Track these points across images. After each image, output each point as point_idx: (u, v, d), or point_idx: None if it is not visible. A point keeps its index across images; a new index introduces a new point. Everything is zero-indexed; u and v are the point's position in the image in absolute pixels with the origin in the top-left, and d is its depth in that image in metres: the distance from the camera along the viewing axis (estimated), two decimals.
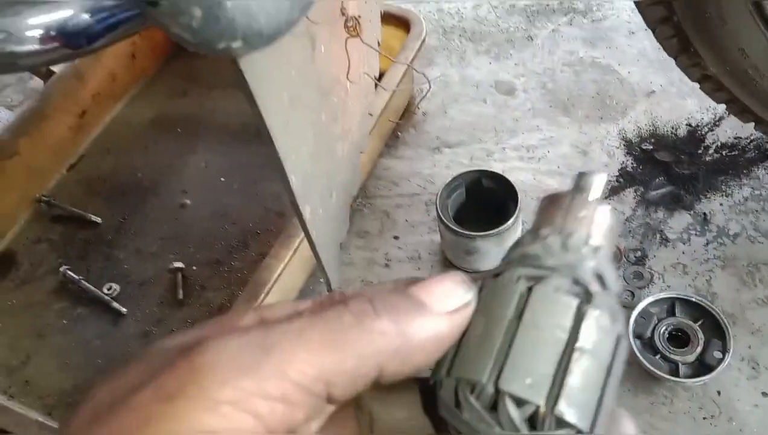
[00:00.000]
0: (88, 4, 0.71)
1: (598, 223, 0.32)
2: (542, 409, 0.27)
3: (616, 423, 0.31)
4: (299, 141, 0.64)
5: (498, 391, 0.27)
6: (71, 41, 0.70)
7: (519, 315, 0.29)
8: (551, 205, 0.33)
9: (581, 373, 0.28)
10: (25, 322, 1.10)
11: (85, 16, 0.71)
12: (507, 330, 0.29)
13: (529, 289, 0.30)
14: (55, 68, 1.32)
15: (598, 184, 0.33)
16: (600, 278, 0.30)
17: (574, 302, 0.29)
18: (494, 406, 0.28)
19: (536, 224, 0.33)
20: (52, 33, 0.69)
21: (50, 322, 1.10)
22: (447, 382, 0.29)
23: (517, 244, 0.33)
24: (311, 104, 0.68)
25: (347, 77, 0.74)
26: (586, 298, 0.29)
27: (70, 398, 1.01)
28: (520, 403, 0.27)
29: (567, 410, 0.27)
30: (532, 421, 0.27)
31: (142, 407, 0.26)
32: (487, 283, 0.31)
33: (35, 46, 0.69)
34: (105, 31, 0.71)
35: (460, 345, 0.30)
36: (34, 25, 0.69)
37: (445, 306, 0.30)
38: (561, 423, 0.27)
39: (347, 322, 0.28)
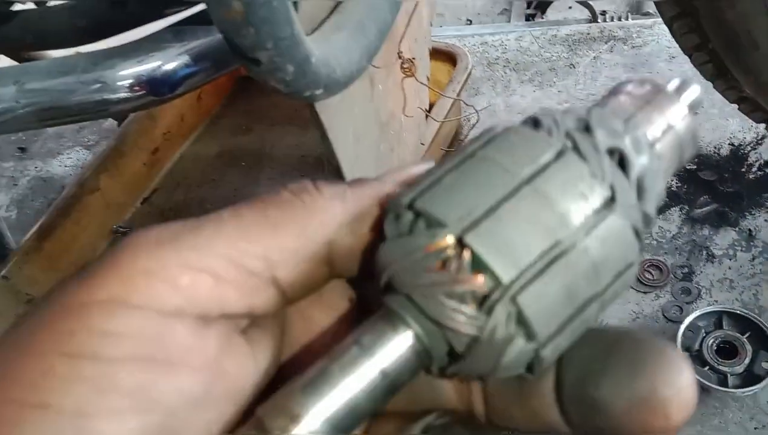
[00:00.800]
0: (170, 56, 0.80)
1: (677, 131, 0.26)
2: (450, 237, 0.21)
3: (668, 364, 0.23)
4: (363, 171, 0.72)
5: (415, 213, 0.23)
6: (156, 89, 0.80)
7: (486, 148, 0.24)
8: (622, 87, 0.27)
9: (522, 215, 0.22)
10: None
11: (169, 66, 0.80)
12: (461, 161, 0.24)
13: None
14: None
15: (691, 92, 0.27)
16: (639, 185, 0.24)
17: (560, 145, 0.23)
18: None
19: (599, 104, 0.26)
20: (141, 82, 0.79)
21: None
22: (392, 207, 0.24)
23: (590, 111, 0.25)
24: (372, 137, 0.76)
25: (404, 112, 0.81)
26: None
27: None
28: (430, 224, 0.22)
29: (481, 245, 0.21)
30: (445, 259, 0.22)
31: (60, 289, 0.24)
32: None
33: (125, 94, 0.79)
34: (185, 79, 0.81)
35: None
36: (126, 76, 0.79)
37: (399, 176, 0.27)
38: (476, 262, 0.21)
39: (285, 199, 0.25)
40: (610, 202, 0.22)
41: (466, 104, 1.12)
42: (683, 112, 0.26)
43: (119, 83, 0.80)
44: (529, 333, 0.21)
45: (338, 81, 0.49)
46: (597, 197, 0.22)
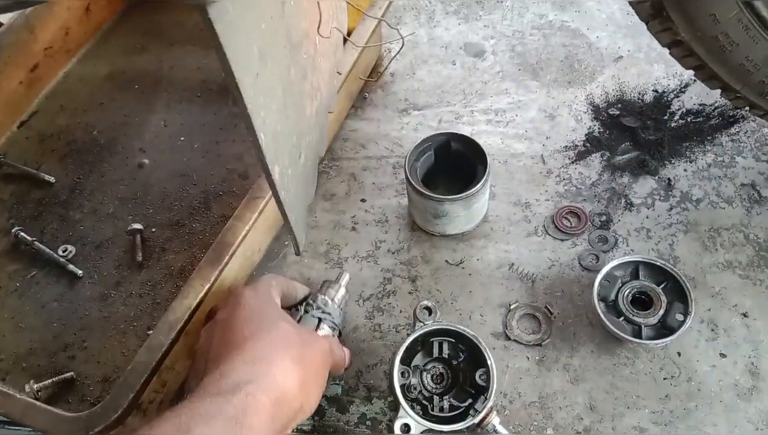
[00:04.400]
0: None
1: (341, 295, 0.91)
2: None
3: None
4: (269, 96, 0.62)
5: None
6: None
7: (315, 330, 0.86)
8: (326, 284, 0.91)
9: None
10: None
11: None
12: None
13: (319, 320, 0.87)
14: (4, 20, 1.25)
15: (345, 279, 0.92)
16: (335, 313, 0.89)
17: (322, 323, 0.87)
18: None
19: (322, 290, 0.90)
20: None
21: (3, 285, 1.05)
22: None
23: (315, 297, 0.89)
24: (280, 58, 0.66)
25: (318, 31, 0.71)
26: (327, 320, 0.88)
27: (26, 362, 0.97)
28: None
29: None
30: None
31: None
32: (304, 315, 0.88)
33: None
34: None
35: None
36: None
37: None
38: None
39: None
40: (334, 329, 0.89)
41: (391, 26, 1.02)
42: (343, 289, 0.92)
43: None
44: None
45: None
46: (329, 328, 0.88)
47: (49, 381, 0.93)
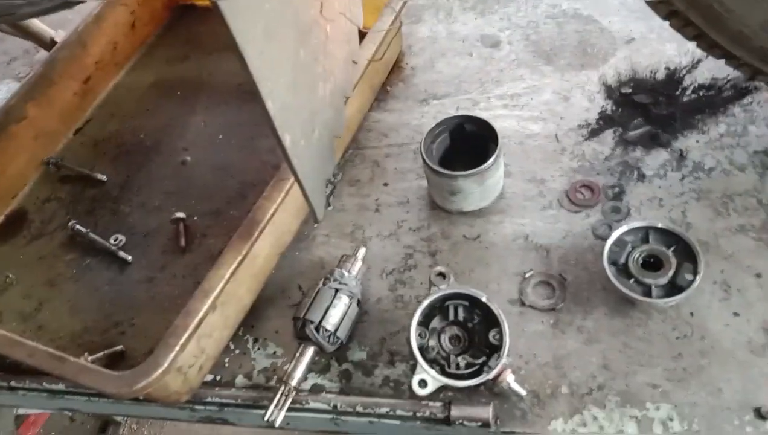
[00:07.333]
0: None
1: (357, 267, 1.01)
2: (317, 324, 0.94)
3: None
4: (275, 71, 0.69)
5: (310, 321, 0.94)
6: None
7: (332, 300, 0.96)
8: (343, 259, 1.02)
9: (336, 313, 0.96)
10: (37, 273, 1.17)
11: None
12: (328, 303, 0.96)
13: (336, 290, 0.97)
14: (59, 38, 1.38)
15: (361, 253, 1.03)
16: (351, 284, 0.98)
17: (339, 293, 0.97)
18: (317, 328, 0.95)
19: (340, 264, 1.01)
20: None
21: (61, 272, 1.16)
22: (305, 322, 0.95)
23: (333, 271, 0.99)
24: (287, 39, 0.73)
25: (321, 13, 0.78)
26: (344, 290, 0.97)
27: (81, 339, 1.08)
28: (312, 323, 0.94)
29: (327, 324, 0.94)
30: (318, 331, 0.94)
31: None
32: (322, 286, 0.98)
33: None
34: None
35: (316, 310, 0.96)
36: None
37: None
38: (326, 330, 0.94)
39: None
40: (351, 297, 0.98)
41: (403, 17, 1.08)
42: (359, 262, 1.03)
43: None
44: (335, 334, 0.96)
45: None
46: (346, 297, 0.97)
47: (102, 353, 1.02)
